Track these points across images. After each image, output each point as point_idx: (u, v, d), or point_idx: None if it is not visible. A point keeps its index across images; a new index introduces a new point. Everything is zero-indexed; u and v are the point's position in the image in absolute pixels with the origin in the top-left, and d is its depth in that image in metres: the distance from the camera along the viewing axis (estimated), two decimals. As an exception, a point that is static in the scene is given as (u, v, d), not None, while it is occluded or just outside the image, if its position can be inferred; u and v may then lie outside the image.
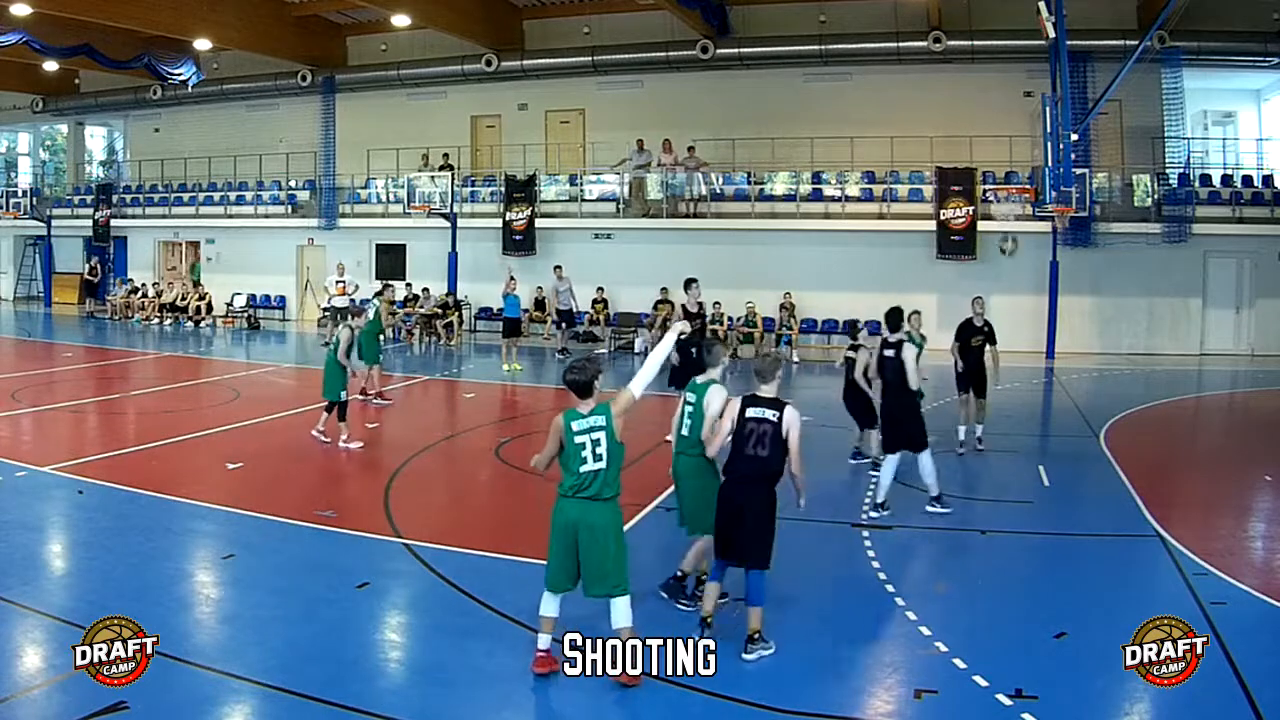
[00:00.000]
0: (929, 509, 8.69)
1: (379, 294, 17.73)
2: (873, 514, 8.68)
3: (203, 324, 25.80)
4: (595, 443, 5.34)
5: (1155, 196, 20.99)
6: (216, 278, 27.58)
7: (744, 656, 5.67)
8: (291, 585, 6.81)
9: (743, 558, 5.76)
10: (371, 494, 9.39)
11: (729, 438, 5.90)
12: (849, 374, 10.49)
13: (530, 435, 11.94)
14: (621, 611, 5.43)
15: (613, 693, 5.33)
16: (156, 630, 5.73)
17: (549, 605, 5.54)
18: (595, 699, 5.29)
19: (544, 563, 5.71)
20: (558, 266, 22.13)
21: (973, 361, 11.25)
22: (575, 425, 5.36)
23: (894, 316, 8.86)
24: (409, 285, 24.29)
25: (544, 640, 5.48)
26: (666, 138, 23.44)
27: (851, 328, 10.67)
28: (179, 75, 26.42)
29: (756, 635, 5.71)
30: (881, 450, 9.10)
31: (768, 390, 5.91)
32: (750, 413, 5.80)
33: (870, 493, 9.41)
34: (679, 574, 6.63)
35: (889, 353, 8.72)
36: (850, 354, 10.55)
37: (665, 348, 5.72)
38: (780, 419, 5.78)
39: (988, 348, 11.29)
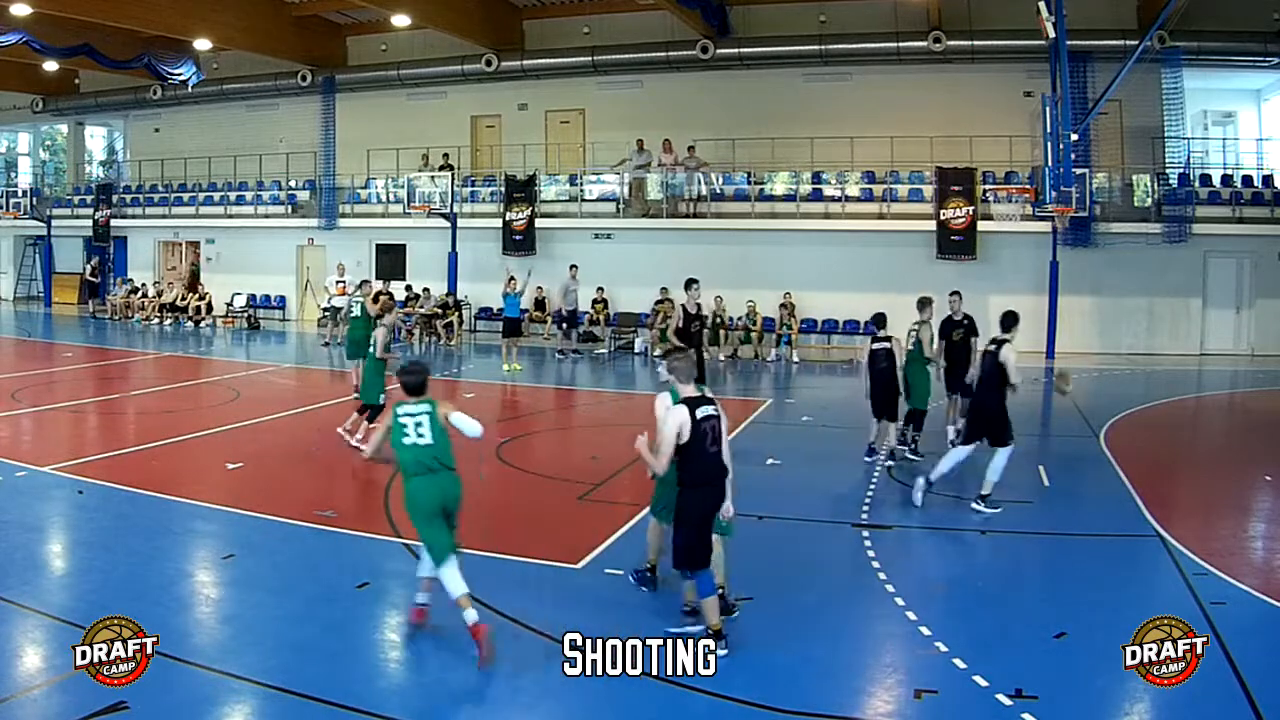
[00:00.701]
0: (975, 507, 8.71)
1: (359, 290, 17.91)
2: (921, 493, 8.82)
3: (203, 324, 25.79)
4: (418, 424, 5.83)
5: (1155, 196, 20.99)
6: (216, 278, 27.58)
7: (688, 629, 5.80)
8: (291, 585, 6.81)
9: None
10: (371, 494, 9.38)
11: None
12: (875, 367, 10.45)
13: (531, 435, 11.92)
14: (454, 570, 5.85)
15: (613, 693, 5.33)
16: (156, 630, 5.72)
17: (446, 572, 5.82)
18: (596, 699, 5.29)
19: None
20: (573, 266, 22.07)
21: (957, 357, 11.27)
22: (400, 410, 5.90)
23: (1009, 319, 9.09)
24: (409, 286, 24.34)
25: (424, 597, 5.98)
26: (666, 138, 23.45)
27: (877, 321, 10.72)
28: (179, 75, 26.43)
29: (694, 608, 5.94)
30: (959, 439, 9.20)
31: (693, 389, 5.99)
32: (699, 413, 5.84)
33: (871, 493, 9.41)
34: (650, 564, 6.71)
35: (991, 347, 8.96)
36: (879, 345, 10.48)
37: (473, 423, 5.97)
38: (720, 412, 5.95)
39: (971, 341, 11.34)
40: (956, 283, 19.70)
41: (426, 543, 5.84)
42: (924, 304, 10.98)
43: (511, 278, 19.36)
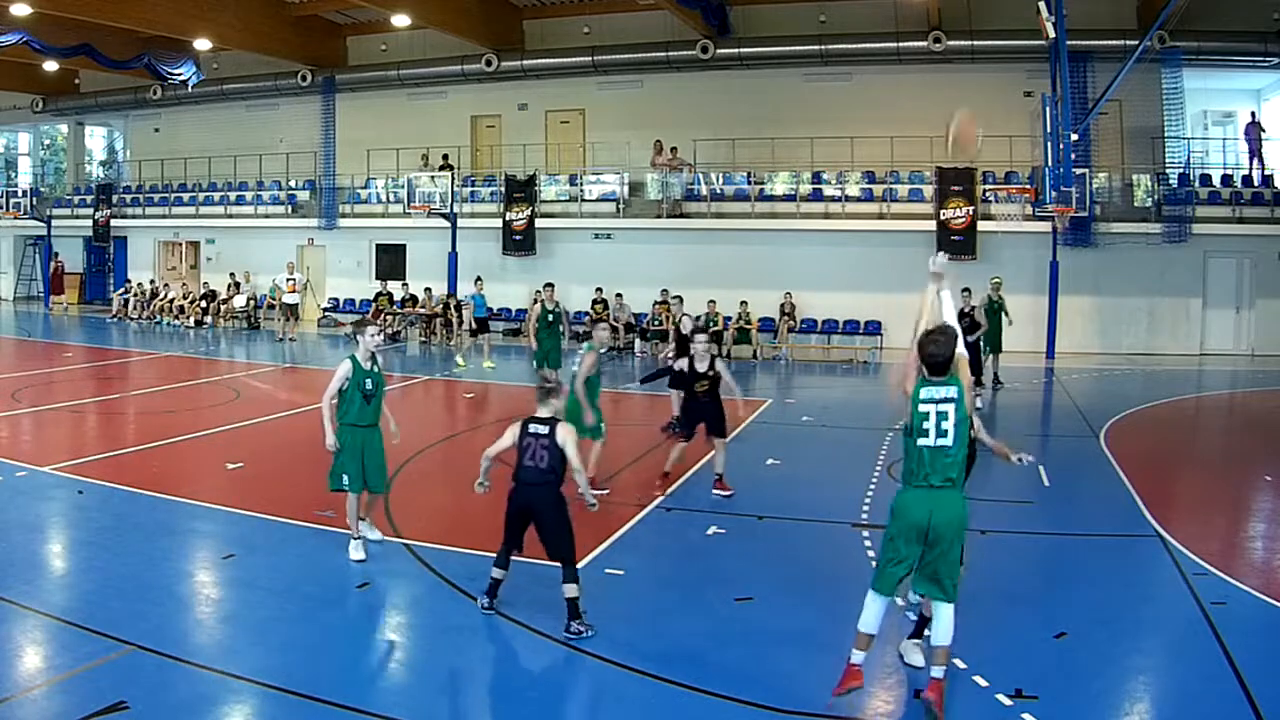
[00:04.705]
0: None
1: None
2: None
3: (203, 324, 25.75)
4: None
5: (1155, 196, 21.00)
6: (217, 278, 27.56)
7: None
8: (291, 585, 6.81)
9: None
10: (371, 494, 9.37)
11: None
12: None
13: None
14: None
15: (613, 692, 5.33)
16: (156, 630, 5.73)
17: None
18: (595, 698, 5.29)
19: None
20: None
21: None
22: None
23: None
24: (405, 285, 24.43)
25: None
26: (658, 139, 23.42)
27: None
28: (179, 75, 26.44)
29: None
30: None
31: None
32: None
33: (871, 493, 9.41)
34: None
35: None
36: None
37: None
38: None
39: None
40: (956, 283, 19.80)
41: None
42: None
43: (478, 279, 19.78)
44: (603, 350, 9.75)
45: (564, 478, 6.14)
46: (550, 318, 14.69)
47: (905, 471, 4.88)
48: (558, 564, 6.02)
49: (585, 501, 6.18)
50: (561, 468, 6.10)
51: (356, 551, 7.26)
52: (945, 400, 4.77)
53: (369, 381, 7.29)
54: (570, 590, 5.97)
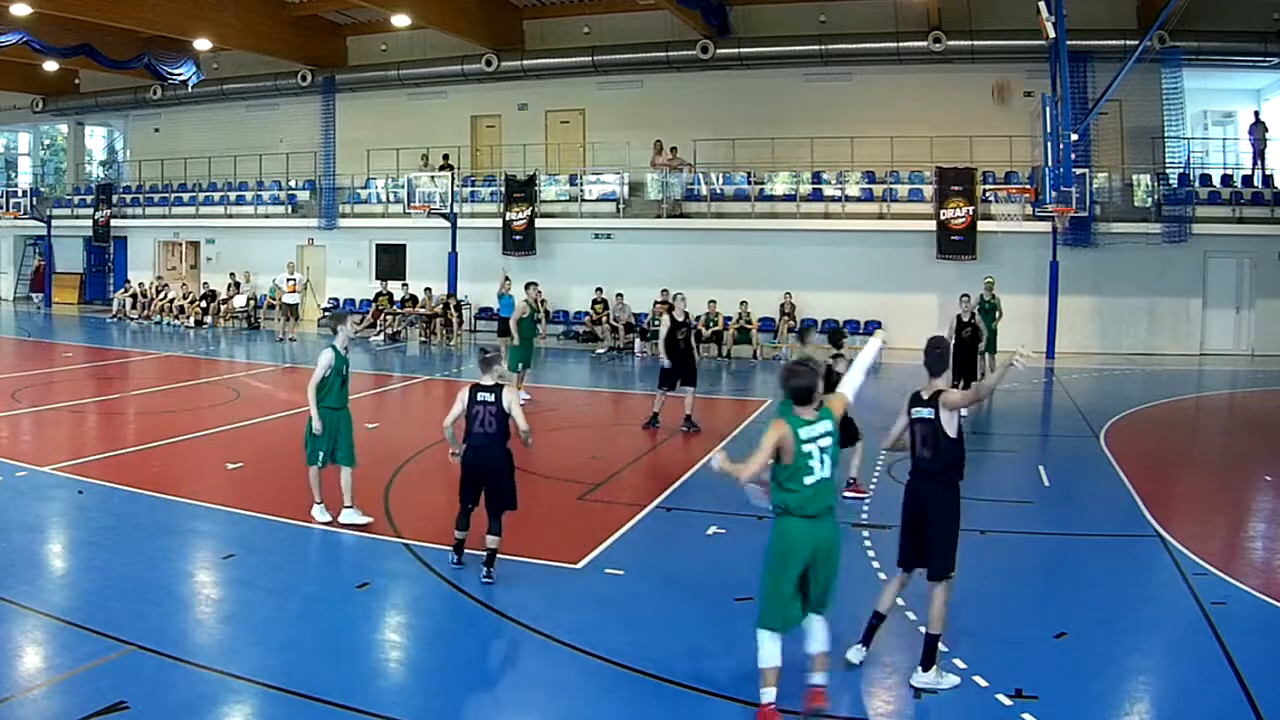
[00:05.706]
0: None
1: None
2: None
3: (203, 324, 25.74)
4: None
5: (1155, 196, 21.00)
6: (217, 278, 27.56)
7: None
8: (291, 585, 6.81)
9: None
10: (371, 494, 9.37)
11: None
12: None
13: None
14: None
15: (611, 694, 5.33)
16: (156, 630, 5.73)
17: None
18: (593, 699, 5.29)
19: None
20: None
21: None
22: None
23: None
24: (405, 285, 24.43)
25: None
26: (658, 139, 23.43)
27: None
28: (179, 75, 26.44)
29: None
30: None
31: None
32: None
33: (871, 493, 9.40)
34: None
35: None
36: None
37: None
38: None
39: None
40: (956, 283, 19.85)
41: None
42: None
43: (506, 278, 19.40)
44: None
45: (510, 436, 6.82)
46: (536, 316, 14.69)
47: (785, 503, 4.92)
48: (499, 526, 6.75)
49: (524, 443, 6.88)
50: (508, 430, 6.76)
51: (322, 515, 8.11)
52: (824, 435, 4.92)
53: (345, 368, 8.06)
54: (493, 541, 6.68)
